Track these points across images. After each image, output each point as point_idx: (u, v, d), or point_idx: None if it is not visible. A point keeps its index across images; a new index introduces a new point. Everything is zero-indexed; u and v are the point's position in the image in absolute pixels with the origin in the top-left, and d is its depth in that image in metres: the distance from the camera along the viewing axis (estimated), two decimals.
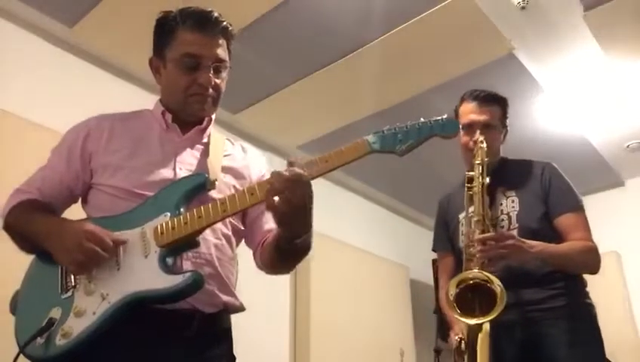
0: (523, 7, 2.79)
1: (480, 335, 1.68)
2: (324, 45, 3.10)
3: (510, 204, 1.95)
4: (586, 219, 1.95)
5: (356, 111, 3.67)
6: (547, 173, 2.00)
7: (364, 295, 4.39)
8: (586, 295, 1.92)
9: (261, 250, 1.45)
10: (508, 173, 2.03)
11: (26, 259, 1.36)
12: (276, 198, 1.14)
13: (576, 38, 3.05)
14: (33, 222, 1.31)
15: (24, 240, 1.34)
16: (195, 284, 1.18)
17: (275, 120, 3.77)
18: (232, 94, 4.00)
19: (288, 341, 3.82)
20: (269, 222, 1.43)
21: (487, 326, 1.67)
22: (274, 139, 4.01)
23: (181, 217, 1.24)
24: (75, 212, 1.42)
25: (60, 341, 1.18)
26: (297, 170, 1.15)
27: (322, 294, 3.99)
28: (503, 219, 1.94)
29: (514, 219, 1.92)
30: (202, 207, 1.23)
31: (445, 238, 2.15)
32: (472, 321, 1.68)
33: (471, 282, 1.73)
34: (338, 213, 4.41)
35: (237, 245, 1.47)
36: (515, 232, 1.88)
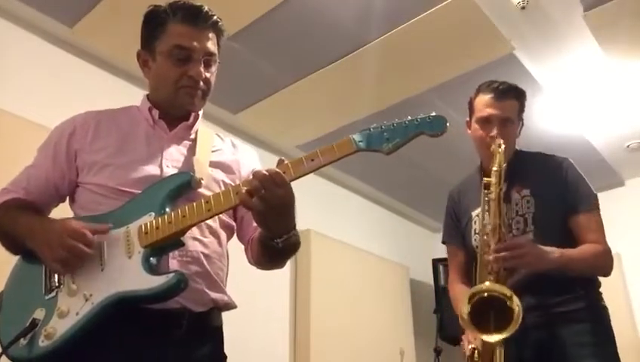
0: (523, 7, 2.79)
1: (496, 350, 1.65)
2: (324, 45, 3.10)
3: (525, 205, 1.88)
4: (600, 219, 1.88)
5: (356, 112, 3.67)
6: (564, 170, 1.93)
7: (364, 295, 4.38)
8: (602, 297, 1.88)
9: (251, 245, 1.44)
10: (523, 169, 1.95)
11: (11, 259, 1.35)
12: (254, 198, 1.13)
13: (576, 38, 3.04)
14: (17, 221, 1.31)
15: (9, 240, 1.33)
16: (179, 285, 1.17)
17: (275, 120, 3.77)
18: (232, 94, 4.02)
19: (288, 341, 3.82)
20: None
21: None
22: (274, 139, 4.01)
23: (165, 216, 1.23)
24: (64, 212, 1.42)
25: (42, 342, 1.17)
26: (276, 169, 1.15)
27: (322, 294, 3.98)
28: (518, 221, 1.88)
29: (529, 220, 1.86)
30: (187, 207, 1.22)
31: (456, 232, 2.08)
32: (489, 338, 1.63)
33: (486, 295, 1.67)
34: (338, 212, 4.41)
35: (228, 240, 1.46)
36: (530, 235, 1.84)
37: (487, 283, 1.70)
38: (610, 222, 5.24)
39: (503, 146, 1.84)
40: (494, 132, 1.89)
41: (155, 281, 1.17)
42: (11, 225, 1.31)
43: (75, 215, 1.38)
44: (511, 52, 3.11)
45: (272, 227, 1.21)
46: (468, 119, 2.05)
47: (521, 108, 2.01)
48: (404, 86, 3.42)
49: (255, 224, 1.39)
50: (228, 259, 1.45)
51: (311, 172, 1.19)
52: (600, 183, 4.68)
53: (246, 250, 1.48)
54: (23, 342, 1.18)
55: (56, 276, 1.25)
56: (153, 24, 1.41)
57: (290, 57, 3.19)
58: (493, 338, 1.62)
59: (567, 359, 1.73)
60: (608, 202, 5.19)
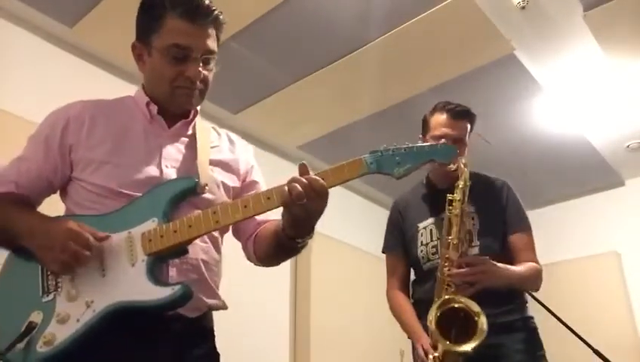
0: (523, 7, 2.79)
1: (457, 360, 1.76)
2: (324, 45, 3.10)
3: (470, 221, 2.00)
4: (533, 239, 2.07)
5: (356, 111, 3.67)
6: (505, 192, 2.09)
7: (364, 295, 4.38)
8: (528, 309, 2.05)
9: (254, 242, 1.43)
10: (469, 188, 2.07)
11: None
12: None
13: (576, 38, 3.05)
14: (12, 218, 1.26)
15: (1, 236, 1.27)
16: (184, 297, 1.16)
17: (275, 120, 3.77)
18: (232, 94, 4.02)
19: (288, 341, 3.82)
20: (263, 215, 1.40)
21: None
22: (274, 139, 4.01)
23: (170, 225, 1.20)
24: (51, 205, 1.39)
25: (41, 348, 1.14)
26: (320, 180, 1.16)
27: (322, 294, 3.99)
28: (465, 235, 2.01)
29: (475, 236, 2.00)
30: (193, 217, 1.20)
31: (399, 242, 2.19)
32: (453, 348, 1.73)
33: (456, 305, 1.78)
34: (338, 213, 4.40)
35: (222, 240, 1.45)
36: (476, 249, 1.98)
37: (460, 297, 1.80)
38: (610, 222, 5.26)
39: (467, 168, 1.97)
40: (463, 159, 1.99)
41: (160, 293, 1.15)
42: (5, 221, 1.26)
43: (67, 209, 1.34)
44: (511, 52, 3.11)
45: (300, 229, 1.23)
46: (421, 136, 2.15)
47: (471, 130, 2.12)
48: (404, 86, 3.42)
49: (259, 220, 1.41)
50: (221, 263, 1.43)
51: None
52: (600, 183, 4.73)
53: (245, 246, 1.47)
54: (19, 346, 1.15)
55: (54, 277, 1.22)
56: (150, 16, 1.34)
57: (290, 57, 3.19)
58: (457, 348, 1.72)
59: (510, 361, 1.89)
60: (608, 202, 5.23)
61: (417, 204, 2.15)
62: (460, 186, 1.93)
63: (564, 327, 2.32)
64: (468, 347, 1.70)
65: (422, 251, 2.07)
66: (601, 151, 4.26)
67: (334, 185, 1.19)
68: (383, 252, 2.29)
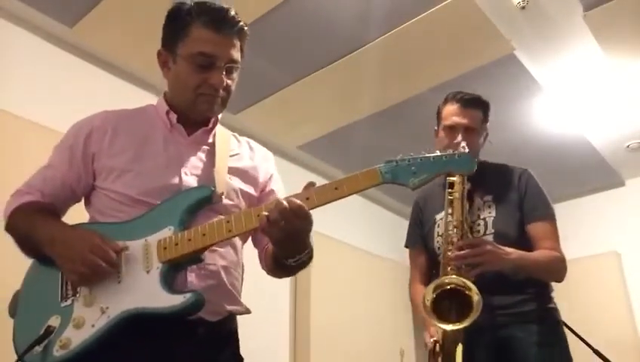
0: (523, 7, 2.79)
1: (456, 343, 1.72)
2: (324, 45, 3.10)
3: (487, 210, 1.99)
4: (556, 228, 2.00)
5: (357, 111, 3.67)
6: (524, 180, 2.04)
7: (364, 295, 4.39)
8: (552, 300, 1.98)
9: (265, 255, 1.44)
10: (486, 178, 2.04)
11: (25, 261, 1.35)
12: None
13: (576, 38, 3.04)
14: (36, 227, 1.29)
15: (26, 244, 1.31)
16: (196, 305, 1.17)
17: (275, 120, 3.77)
18: (232, 94, 3.99)
19: (288, 341, 3.82)
20: None
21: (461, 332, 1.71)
22: (274, 139, 4.01)
23: (185, 233, 1.22)
24: (77, 212, 1.42)
25: (57, 352, 1.17)
26: (298, 202, 1.15)
27: (322, 294, 3.98)
28: (479, 224, 1.98)
29: (490, 224, 1.96)
30: (207, 225, 1.22)
31: (419, 236, 2.18)
32: (448, 327, 1.70)
33: (448, 287, 1.75)
34: (338, 213, 4.40)
35: (243, 245, 1.46)
36: (490, 238, 1.93)
37: (450, 276, 1.77)
38: (610, 222, 5.26)
39: (466, 149, 1.91)
40: (459, 138, 1.97)
41: (172, 300, 1.17)
42: (30, 229, 1.29)
43: (91, 218, 1.37)
44: (511, 52, 3.11)
45: (286, 250, 1.23)
46: (436, 128, 2.13)
47: (485, 119, 2.10)
48: (404, 86, 3.42)
49: None
50: (243, 266, 1.45)
51: (335, 200, 1.20)
52: (600, 183, 4.73)
53: (259, 255, 1.48)
54: (37, 349, 1.18)
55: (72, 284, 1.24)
56: (176, 25, 1.37)
57: (290, 57, 3.19)
58: (453, 326, 1.69)
59: (523, 359, 1.82)
60: (608, 202, 5.23)
61: (435, 196, 2.11)
62: None
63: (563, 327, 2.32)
64: (458, 325, 1.67)
65: (437, 242, 2.04)
66: (601, 151, 4.26)
67: (348, 195, 1.20)
68: (406, 246, 2.29)
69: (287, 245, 1.21)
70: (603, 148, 4.23)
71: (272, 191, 1.49)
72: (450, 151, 1.24)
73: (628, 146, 4.24)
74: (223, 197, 1.32)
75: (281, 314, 3.83)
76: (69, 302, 1.23)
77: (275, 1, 2.75)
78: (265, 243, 1.44)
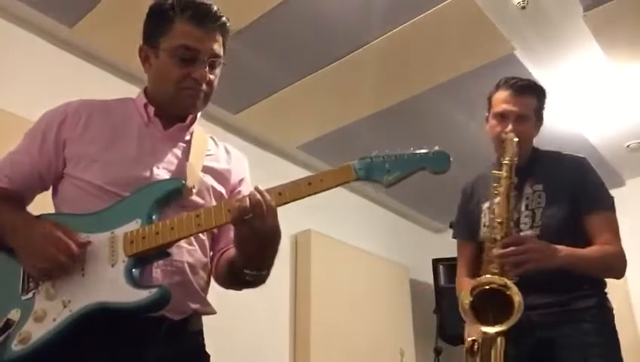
0: (523, 7, 2.79)
1: (496, 343, 1.65)
2: (324, 45, 3.09)
3: (536, 199, 1.87)
4: (616, 220, 1.88)
5: (356, 111, 3.67)
6: (581, 168, 1.92)
7: (364, 295, 4.39)
8: (608, 298, 1.87)
9: (218, 259, 1.41)
10: (538, 165, 1.95)
11: None
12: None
13: (577, 38, 3.04)
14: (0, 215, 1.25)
15: None
16: (161, 301, 1.13)
17: (275, 120, 3.77)
18: (232, 94, 4.01)
19: (288, 341, 3.82)
20: None
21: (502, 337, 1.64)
22: (274, 139, 4.01)
23: (153, 226, 1.19)
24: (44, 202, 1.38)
25: (16, 346, 1.13)
26: (267, 196, 1.13)
27: (322, 294, 3.98)
28: (527, 216, 1.87)
29: (538, 216, 1.85)
30: (176, 219, 1.19)
31: (466, 226, 2.08)
32: (489, 329, 1.64)
33: (487, 287, 1.69)
34: (338, 213, 4.41)
35: (210, 249, 1.43)
36: (537, 231, 1.83)
37: (487, 275, 1.71)
38: None
39: (515, 139, 1.85)
40: (509, 127, 1.89)
41: (137, 295, 1.13)
42: None
43: (57, 207, 1.34)
44: (511, 52, 3.11)
45: (248, 255, 1.20)
46: (487, 114, 2.04)
47: (540, 106, 1.98)
48: (404, 86, 3.42)
49: (227, 239, 1.39)
50: (210, 267, 1.41)
51: (308, 195, 1.18)
52: None
53: (211, 259, 1.43)
54: None
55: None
56: (159, 19, 1.36)
57: (290, 57, 3.19)
58: (493, 329, 1.63)
59: (573, 359, 1.72)
60: None
61: (484, 184, 2.01)
62: (506, 161, 1.83)
63: None
64: (498, 328, 1.61)
65: (484, 233, 1.93)
66: (601, 151, 4.26)
67: (322, 191, 1.18)
68: (453, 238, 2.16)
69: (252, 248, 1.18)
70: (603, 148, 4.23)
71: (240, 193, 1.45)
72: (425, 149, 1.21)
73: (628, 146, 4.23)
74: (195, 193, 1.29)
75: (281, 314, 3.83)
76: (30, 295, 1.19)
77: (275, 1, 2.75)
78: (222, 247, 1.41)
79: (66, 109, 1.38)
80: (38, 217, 1.28)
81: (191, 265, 1.31)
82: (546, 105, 2.01)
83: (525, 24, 2.94)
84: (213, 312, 1.37)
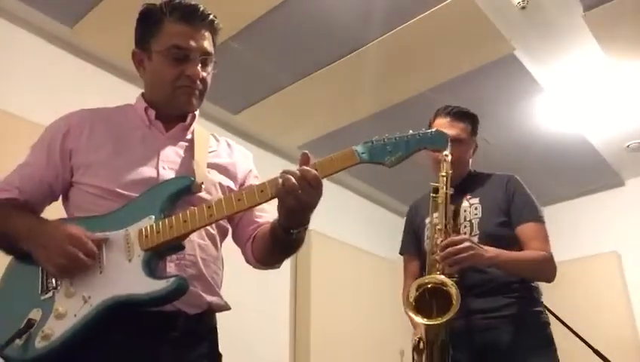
0: (523, 7, 2.79)
1: (439, 341, 1.79)
2: (324, 45, 3.10)
3: (473, 211, 2.04)
4: (545, 230, 2.03)
5: (356, 111, 3.67)
6: (511, 184, 2.09)
7: (364, 294, 4.39)
8: (538, 303, 2.00)
9: (252, 243, 1.44)
10: (473, 183, 2.13)
11: (4, 258, 1.33)
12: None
13: (576, 38, 3.05)
14: (13, 221, 1.28)
15: (3, 240, 1.30)
16: (179, 289, 1.17)
17: (275, 120, 3.77)
18: (232, 94, 4.02)
19: (288, 341, 3.82)
20: (260, 216, 1.44)
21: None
22: (274, 139, 4.01)
23: (166, 221, 1.22)
24: (56, 210, 1.40)
25: (39, 343, 1.16)
26: (313, 171, 1.16)
27: (322, 294, 3.99)
28: (465, 226, 2.03)
29: (475, 226, 2.02)
30: (188, 211, 1.22)
31: (412, 243, 2.26)
32: (428, 322, 1.77)
33: (428, 286, 1.82)
34: (338, 212, 4.41)
35: (221, 243, 1.46)
36: (475, 239, 1.96)
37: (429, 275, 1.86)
38: (610, 222, 5.25)
39: (449, 158, 2.01)
40: (446, 151, 2.00)
41: (156, 285, 1.17)
42: (6, 225, 1.29)
43: (69, 214, 1.37)
44: (511, 52, 3.11)
45: (295, 219, 1.23)
46: None
47: (474, 131, 2.16)
48: (404, 86, 3.42)
49: (257, 222, 1.44)
50: (223, 262, 1.45)
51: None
52: (600, 183, 4.73)
53: (244, 248, 1.48)
54: (18, 342, 1.16)
55: (53, 277, 1.23)
56: (149, 23, 1.40)
57: (290, 57, 3.19)
58: (433, 321, 1.76)
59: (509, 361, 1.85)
60: (608, 202, 5.22)
61: (426, 202, 2.17)
62: (443, 174, 2.00)
63: (564, 327, 2.32)
64: (442, 319, 1.73)
65: (427, 244, 2.09)
66: (601, 151, 4.26)
67: (326, 176, 1.20)
68: (400, 254, 2.37)
69: (298, 215, 1.21)
70: (603, 148, 4.23)
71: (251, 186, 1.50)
72: (424, 129, 1.26)
73: (628, 146, 4.24)
74: (203, 189, 1.32)
75: (281, 315, 3.83)
76: (49, 294, 1.22)
77: (275, 1, 2.75)
78: (251, 233, 1.44)
79: (68, 121, 1.42)
80: (51, 221, 1.30)
81: (204, 259, 1.34)
82: (478, 131, 2.19)
83: (525, 24, 2.94)
84: (227, 308, 1.40)
